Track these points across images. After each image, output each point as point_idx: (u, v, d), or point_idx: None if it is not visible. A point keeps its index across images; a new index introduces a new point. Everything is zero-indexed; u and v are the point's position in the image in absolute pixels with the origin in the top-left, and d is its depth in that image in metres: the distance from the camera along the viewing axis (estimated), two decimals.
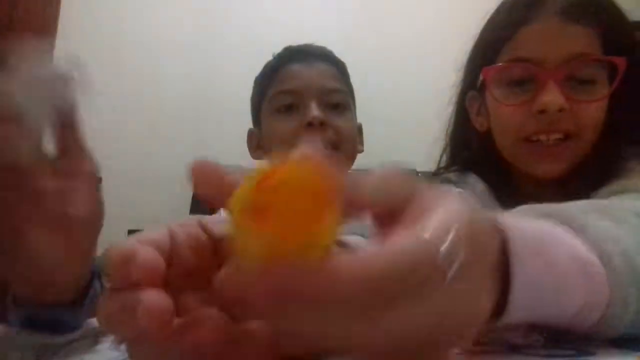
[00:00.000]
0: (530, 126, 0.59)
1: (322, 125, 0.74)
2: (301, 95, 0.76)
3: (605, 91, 0.59)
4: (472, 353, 0.28)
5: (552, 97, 0.56)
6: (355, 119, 0.84)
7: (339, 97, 0.79)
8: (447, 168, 0.73)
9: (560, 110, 0.56)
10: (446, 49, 2.00)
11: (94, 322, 0.35)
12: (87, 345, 0.34)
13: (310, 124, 0.73)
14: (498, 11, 0.66)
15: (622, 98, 0.59)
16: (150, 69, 2.23)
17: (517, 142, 0.61)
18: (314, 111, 0.73)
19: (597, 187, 0.56)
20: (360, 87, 0.91)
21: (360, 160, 1.01)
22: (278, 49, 0.89)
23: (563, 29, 0.58)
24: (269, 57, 0.90)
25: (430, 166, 1.29)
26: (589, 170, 0.59)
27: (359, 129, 0.87)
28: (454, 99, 0.73)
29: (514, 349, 0.29)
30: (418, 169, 1.43)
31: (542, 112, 0.57)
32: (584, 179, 0.58)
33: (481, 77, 0.64)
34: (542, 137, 0.59)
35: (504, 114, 0.62)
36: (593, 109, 0.58)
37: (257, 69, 0.90)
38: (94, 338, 0.34)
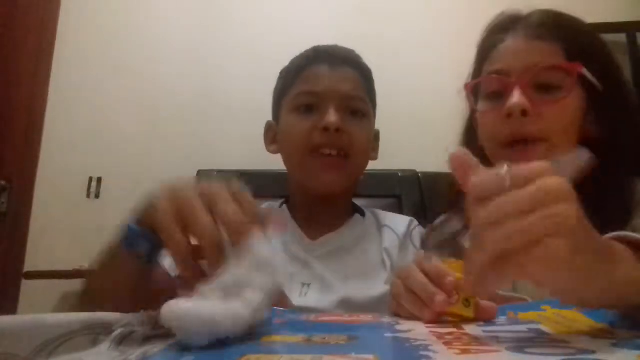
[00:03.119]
0: (503, 131, 0.64)
1: (337, 131, 0.74)
2: (322, 97, 0.76)
3: (569, 95, 0.63)
4: (472, 353, 0.28)
5: (515, 100, 0.61)
6: (373, 126, 0.84)
7: (358, 104, 0.79)
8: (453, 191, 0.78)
9: (524, 113, 0.61)
10: (446, 49, 2.00)
11: (95, 319, 0.35)
12: (86, 344, 0.34)
13: (326, 129, 0.73)
14: (482, 37, 0.73)
15: (606, 116, 0.64)
16: (150, 69, 2.23)
17: (497, 148, 0.66)
18: (332, 117, 0.74)
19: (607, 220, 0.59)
20: None
21: None
22: (278, 49, 0.89)
23: (529, 45, 0.66)
24: (270, 58, 0.89)
25: (430, 167, 1.29)
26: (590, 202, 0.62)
27: (376, 136, 0.86)
28: (466, 115, 0.78)
29: (514, 348, 0.29)
30: (418, 169, 1.43)
31: (509, 116, 0.62)
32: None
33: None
34: (517, 142, 0.63)
35: (484, 123, 0.68)
36: (558, 112, 0.63)
37: (258, 69, 0.90)
38: (94, 337, 0.34)
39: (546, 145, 0.62)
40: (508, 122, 0.63)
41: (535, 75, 0.63)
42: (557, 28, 0.67)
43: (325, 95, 0.76)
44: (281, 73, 0.87)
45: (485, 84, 0.68)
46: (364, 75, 0.83)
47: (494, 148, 0.67)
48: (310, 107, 0.77)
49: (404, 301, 0.44)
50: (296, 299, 0.68)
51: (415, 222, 0.83)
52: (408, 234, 0.79)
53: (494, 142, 0.66)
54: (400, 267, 0.49)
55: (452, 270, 0.42)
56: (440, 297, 0.40)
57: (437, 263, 0.44)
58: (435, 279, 0.43)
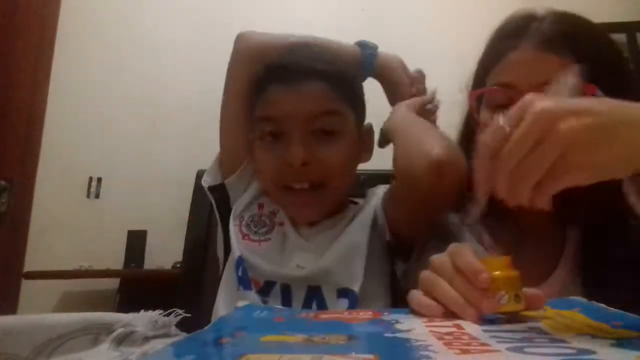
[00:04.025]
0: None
1: (304, 165, 0.67)
2: (283, 124, 0.69)
3: None
4: (472, 353, 0.28)
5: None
6: (355, 128, 0.74)
7: (328, 121, 0.70)
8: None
9: None
10: (447, 49, 2.00)
11: (95, 319, 0.35)
12: (86, 344, 0.34)
13: (291, 165, 0.67)
14: (491, 38, 0.70)
15: None
16: (150, 69, 2.23)
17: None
18: (294, 151, 0.66)
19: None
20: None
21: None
22: None
23: (539, 57, 0.62)
24: None
25: None
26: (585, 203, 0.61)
27: (367, 132, 0.78)
28: (463, 119, 0.76)
29: (514, 348, 0.29)
30: None
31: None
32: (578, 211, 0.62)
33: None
34: None
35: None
36: None
37: None
38: (94, 337, 0.34)
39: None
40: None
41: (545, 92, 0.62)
42: (572, 39, 0.62)
43: (286, 120, 0.69)
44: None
45: (491, 94, 0.66)
46: (333, 80, 0.71)
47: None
48: (275, 134, 0.70)
49: (445, 299, 0.42)
50: (287, 271, 0.69)
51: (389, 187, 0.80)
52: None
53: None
54: (432, 261, 0.46)
55: (489, 267, 0.41)
56: (487, 302, 0.39)
57: (472, 258, 0.42)
58: (471, 277, 0.41)
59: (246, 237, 0.73)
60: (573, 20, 0.66)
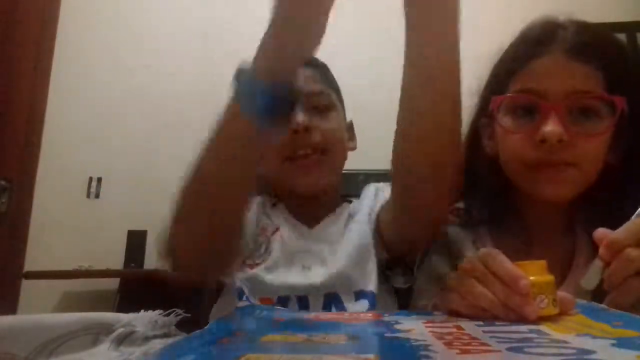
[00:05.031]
0: (532, 154, 0.63)
1: (307, 130, 0.73)
2: None
3: (605, 127, 0.62)
4: (472, 353, 0.28)
5: (552, 127, 0.60)
6: (344, 117, 0.85)
7: (323, 99, 0.79)
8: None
9: (560, 141, 0.60)
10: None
11: (95, 319, 0.35)
12: (86, 344, 0.34)
13: (295, 131, 0.73)
14: (513, 44, 0.70)
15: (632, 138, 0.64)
16: (151, 69, 2.23)
17: (522, 168, 0.65)
18: (299, 117, 0.72)
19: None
20: (361, 86, 0.90)
21: (362, 161, 1.01)
22: None
23: (568, 65, 0.62)
24: None
25: None
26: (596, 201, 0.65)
27: (350, 126, 0.87)
28: (468, 125, 0.76)
29: (514, 348, 0.29)
30: None
31: (543, 141, 0.61)
32: (592, 209, 0.64)
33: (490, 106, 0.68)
34: (544, 164, 0.63)
35: (510, 141, 0.66)
36: (592, 142, 0.62)
37: None
38: (94, 337, 0.34)
39: (575, 170, 0.62)
40: (539, 146, 0.61)
41: (574, 101, 0.62)
42: (595, 49, 0.63)
43: None
44: None
45: (518, 100, 0.65)
46: (321, 71, 0.83)
47: (518, 167, 0.65)
48: None
49: (487, 304, 0.42)
50: (297, 277, 0.69)
51: (381, 184, 0.83)
52: (376, 195, 0.79)
53: (519, 163, 0.65)
54: (463, 266, 0.45)
55: (525, 271, 0.41)
56: (530, 308, 0.39)
57: (509, 263, 0.42)
58: (510, 282, 0.41)
59: (247, 266, 0.72)
60: (594, 30, 0.66)
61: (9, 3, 1.84)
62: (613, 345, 0.29)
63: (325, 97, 0.80)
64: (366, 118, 0.84)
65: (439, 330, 0.36)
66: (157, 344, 0.33)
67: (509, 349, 0.28)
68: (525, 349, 0.28)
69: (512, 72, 0.67)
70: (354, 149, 0.86)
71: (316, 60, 0.82)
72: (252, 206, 0.78)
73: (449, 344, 0.30)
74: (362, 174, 0.88)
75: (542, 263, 0.42)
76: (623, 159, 0.64)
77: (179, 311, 0.43)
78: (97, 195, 2.38)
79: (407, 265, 0.72)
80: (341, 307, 0.68)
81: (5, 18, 1.82)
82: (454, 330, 0.36)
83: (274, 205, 0.82)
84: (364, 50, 2.24)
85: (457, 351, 0.28)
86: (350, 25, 2.13)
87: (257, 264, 0.72)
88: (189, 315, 0.46)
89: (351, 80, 1.15)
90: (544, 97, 0.62)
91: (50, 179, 2.12)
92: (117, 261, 2.29)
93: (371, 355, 0.27)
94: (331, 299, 0.69)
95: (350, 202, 0.83)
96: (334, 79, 0.85)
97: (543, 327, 0.36)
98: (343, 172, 0.81)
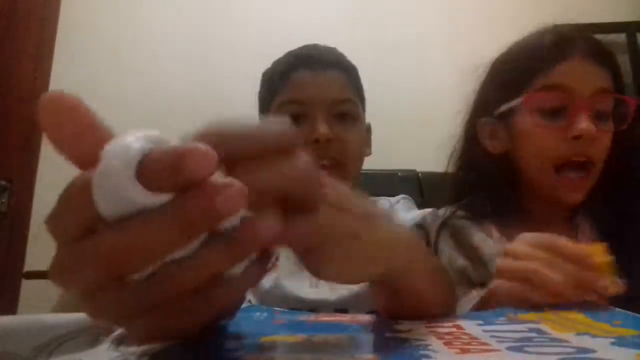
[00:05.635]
0: (563, 150, 0.67)
1: (328, 142, 0.72)
2: (309, 106, 0.74)
3: (612, 125, 0.69)
4: (472, 352, 0.28)
5: (587, 124, 0.64)
6: (364, 124, 0.82)
7: (348, 108, 0.76)
8: (455, 193, 0.78)
9: (593, 138, 0.65)
10: (447, 50, 2.00)
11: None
12: (85, 344, 0.34)
13: (317, 141, 0.71)
14: (526, 49, 0.74)
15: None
16: (150, 69, 2.23)
17: (549, 165, 0.68)
18: (321, 128, 0.71)
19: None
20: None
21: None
22: (279, 48, 0.87)
23: (589, 67, 0.68)
24: (271, 58, 0.88)
25: (430, 167, 1.29)
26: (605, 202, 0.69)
27: (368, 130, 0.84)
28: (464, 125, 0.78)
29: (514, 348, 0.29)
30: (418, 169, 1.43)
31: (577, 137, 0.65)
32: (592, 199, 0.69)
33: (514, 103, 0.71)
34: (573, 160, 0.67)
35: (538, 138, 0.69)
36: (607, 140, 0.68)
37: (259, 69, 0.89)
38: (94, 337, 0.34)
39: (594, 170, 0.67)
40: (569, 143, 0.65)
41: (599, 100, 0.67)
42: (606, 55, 0.70)
43: (312, 103, 0.74)
44: (264, 76, 0.84)
45: (547, 98, 0.69)
46: (349, 74, 0.80)
47: (544, 164, 0.68)
48: (297, 116, 0.74)
49: (554, 284, 0.41)
50: (307, 291, 0.68)
51: (398, 198, 0.82)
52: (390, 208, 0.79)
53: (547, 159, 0.68)
54: (514, 251, 0.46)
55: (590, 253, 0.43)
56: (604, 280, 0.41)
57: (570, 243, 0.44)
58: (582, 261, 0.42)
59: None
60: (596, 38, 0.72)
61: (9, 3, 1.84)
62: (613, 344, 0.29)
63: (351, 106, 0.77)
64: (366, 118, 0.83)
65: (439, 330, 0.36)
66: (157, 344, 0.33)
67: (509, 348, 0.28)
68: (525, 348, 0.28)
69: (532, 74, 0.70)
70: (369, 154, 0.84)
71: (346, 62, 0.80)
72: None
73: (449, 344, 0.30)
74: (361, 174, 0.88)
75: (603, 245, 0.43)
76: (618, 154, 0.69)
77: None
78: None
79: None
80: None
81: (5, 18, 1.82)
82: (454, 329, 0.36)
83: None
84: (364, 50, 2.24)
85: (457, 351, 0.28)
86: (350, 25, 2.13)
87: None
88: None
89: None
90: (573, 95, 0.66)
91: (50, 179, 2.12)
92: None
93: (371, 356, 0.27)
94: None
95: None
96: (361, 85, 0.82)
97: (543, 326, 0.36)
98: None
